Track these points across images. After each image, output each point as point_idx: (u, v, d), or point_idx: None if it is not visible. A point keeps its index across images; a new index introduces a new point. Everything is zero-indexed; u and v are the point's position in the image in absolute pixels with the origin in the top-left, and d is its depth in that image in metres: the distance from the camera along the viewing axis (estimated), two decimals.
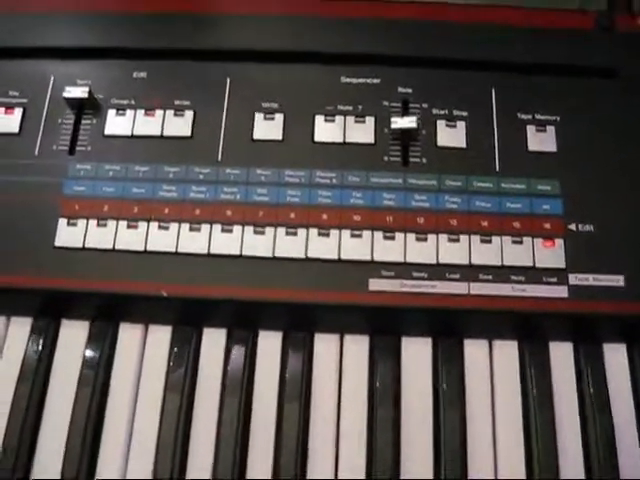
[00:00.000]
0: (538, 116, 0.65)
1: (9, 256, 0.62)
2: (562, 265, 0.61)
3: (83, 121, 0.66)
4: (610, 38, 0.67)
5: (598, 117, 0.65)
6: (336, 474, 0.58)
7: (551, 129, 0.65)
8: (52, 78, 0.68)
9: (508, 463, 0.59)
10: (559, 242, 0.61)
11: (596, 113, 0.65)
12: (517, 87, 0.66)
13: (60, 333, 0.64)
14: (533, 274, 0.61)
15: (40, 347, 0.63)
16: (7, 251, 0.62)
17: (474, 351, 0.62)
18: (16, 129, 0.66)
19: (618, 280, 0.60)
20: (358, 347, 0.62)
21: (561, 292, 0.60)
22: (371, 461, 0.58)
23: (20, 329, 0.64)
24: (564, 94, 0.66)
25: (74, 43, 0.68)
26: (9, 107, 0.67)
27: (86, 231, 0.63)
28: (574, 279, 0.60)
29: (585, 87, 0.66)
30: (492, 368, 0.62)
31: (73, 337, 0.63)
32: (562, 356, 0.62)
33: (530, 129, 0.65)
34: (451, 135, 0.64)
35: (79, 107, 0.66)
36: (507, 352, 0.62)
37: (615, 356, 0.62)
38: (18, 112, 0.67)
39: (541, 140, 0.64)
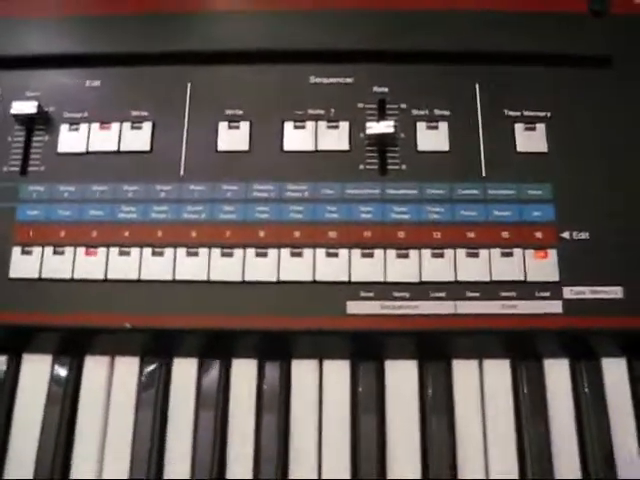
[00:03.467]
0: (527, 112, 0.56)
1: None
2: (556, 278, 0.52)
3: (34, 138, 0.58)
4: (604, 22, 0.57)
5: (592, 111, 0.56)
6: None
7: (541, 127, 0.56)
8: None
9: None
10: (552, 252, 0.53)
11: (590, 107, 0.56)
12: (503, 81, 0.57)
13: (21, 368, 0.56)
14: (524, 289, 0.52)
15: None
16: None
17: (463, 373, 0.54)
18: None
19: (616, 292, 0.52)
20: (338, 373, 0.54)
21: (555, 307, 0.52)
22: None
23: None
24: (554, 87, 0.57)
25: (19, 51, 0.59)
26: None
27: (42, 260, 0.54)
28: (569, 292, 0.52)
29: (578, 78, 0.57)
30: (483, 390, 0.54)
31: (35, 372, 0.55)
32: (558, 374, 0.54)
33: (518, 128, 0.56)
34: (432, 138, 0.56)
35: (29, 123, 0.57)
36: (498, 372, 0.54)
37: (614, 371, 0.54)
38: None
39: (531, 139, 0.56)
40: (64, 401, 0.54)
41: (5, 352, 0.56)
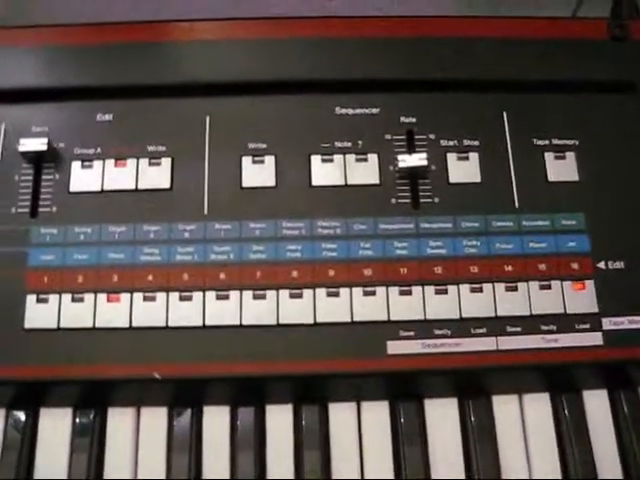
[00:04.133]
0: (555, 141, 0.55)
1: None
2: (594, 309, 0.51)
3: (44, 176, 0.54)
4: (625, 48, 0.56)
5: (620, 138, 0.55)
6: None
7: (571, 155, 0.55)
8: (2, 126, 0.54)
9: None
10: (589, 283, 0.52)
11: (617, 133, 0.55)
12: (529, 109, 0.56)
13: (40, 424, 0.52)
14: (564, 322, 0.51)
15: (18, 440, 0.51)
16: None
17: (504, 408, 0.52)
18: None
19: None
20: (378, 415, 0.52)
21: (596, 339, 0.51)
22: None
23: None
24: (581, 114, 0.56)
25: (25, 83, 0.55)
26: None
27: (60, 308, 0.51)
28: (608, 323, 0.51)
29: (603, 105, 0.56)
30: (524, 424, 0.52)
31: (55, 427, 0.51)
32: (598, 405, 0.53)
33: (548, 157, 0.55)
34: (464, 169, 0.54)
35: (38, 161, 0.53)
36: (539, 406, 0.53)
37: None
38: None
39: (561, 168, 0.55)
40: (90, 456, 0.51)
41: (22, 407, 0.52)
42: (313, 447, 0.51)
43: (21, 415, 0.52)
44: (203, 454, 0.51)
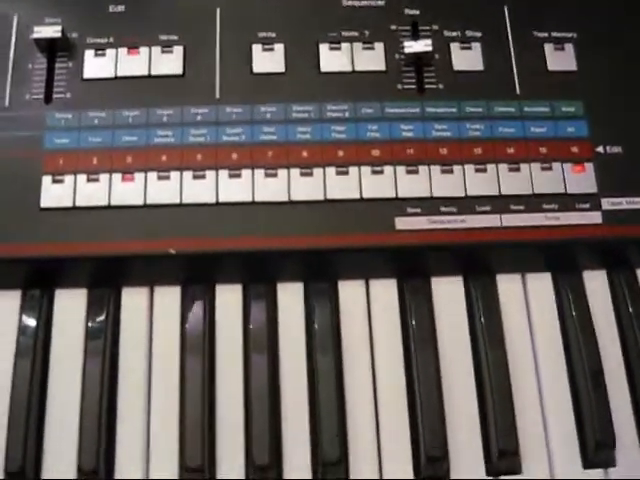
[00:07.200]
0: (555, 34, 0.56)
1: None
2: (594, 190, 0.53)
3: (57, 64, 0.54)
4: None
5: (617, 31, 0.56)
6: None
7: (569, 47, 0.56)
8: (15, 17, 0.55)
9: (552, 397, 0.51)
10: (588, 166, 0.53)
11: (614, 27, 0.56)
12: (529, 3, 0.56)
13: (55, 304, 0.52)
14: (565, 201, 0.52)
15: (34, 321, 0.51)
16: None
17: (508, 287, 0.53)
18: None
19: None
20: (386, 291, 0.53)
21: (595, 218, 0.52)
22: (414, 406, 0.49)
23: (8, 303, 0.52)
24: (578, 9, 0.57)
25: None
26: None
27: (75, 188, 0.51)
28: (607, 204, 0.52)
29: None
30: (527, 302, 0.53)
31: (71, 308, 0.52)
32: (597, 284, 0.54)
33: (548, 48, 0.56)
34: (467, 58, 0.55)
35: (51, 49, 0.54)
36: (542, 285, 0.54)
37: None
38: None
39: (560, 59, 0.56)
40: (105, 335, 0.51)
41: (37, 288, 0.52)
42: (324, 322, 0.51)
43: (37, 295, 0.52)
44: (216, 330, 0.52)
